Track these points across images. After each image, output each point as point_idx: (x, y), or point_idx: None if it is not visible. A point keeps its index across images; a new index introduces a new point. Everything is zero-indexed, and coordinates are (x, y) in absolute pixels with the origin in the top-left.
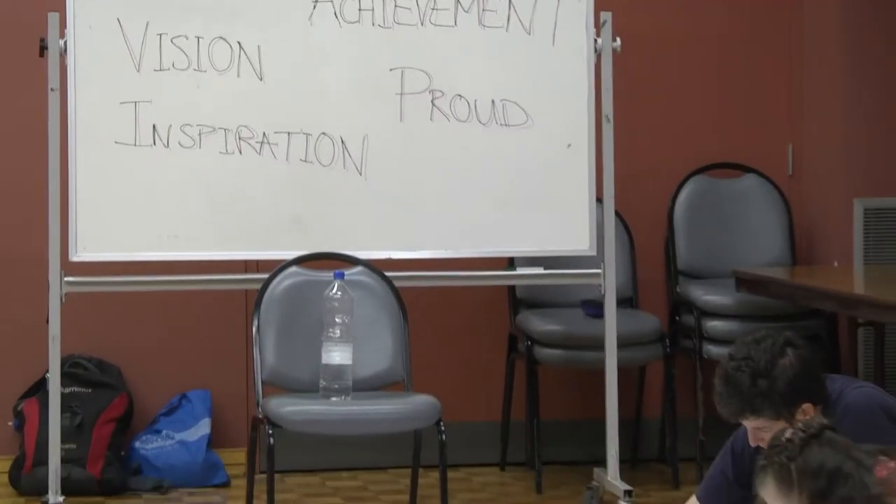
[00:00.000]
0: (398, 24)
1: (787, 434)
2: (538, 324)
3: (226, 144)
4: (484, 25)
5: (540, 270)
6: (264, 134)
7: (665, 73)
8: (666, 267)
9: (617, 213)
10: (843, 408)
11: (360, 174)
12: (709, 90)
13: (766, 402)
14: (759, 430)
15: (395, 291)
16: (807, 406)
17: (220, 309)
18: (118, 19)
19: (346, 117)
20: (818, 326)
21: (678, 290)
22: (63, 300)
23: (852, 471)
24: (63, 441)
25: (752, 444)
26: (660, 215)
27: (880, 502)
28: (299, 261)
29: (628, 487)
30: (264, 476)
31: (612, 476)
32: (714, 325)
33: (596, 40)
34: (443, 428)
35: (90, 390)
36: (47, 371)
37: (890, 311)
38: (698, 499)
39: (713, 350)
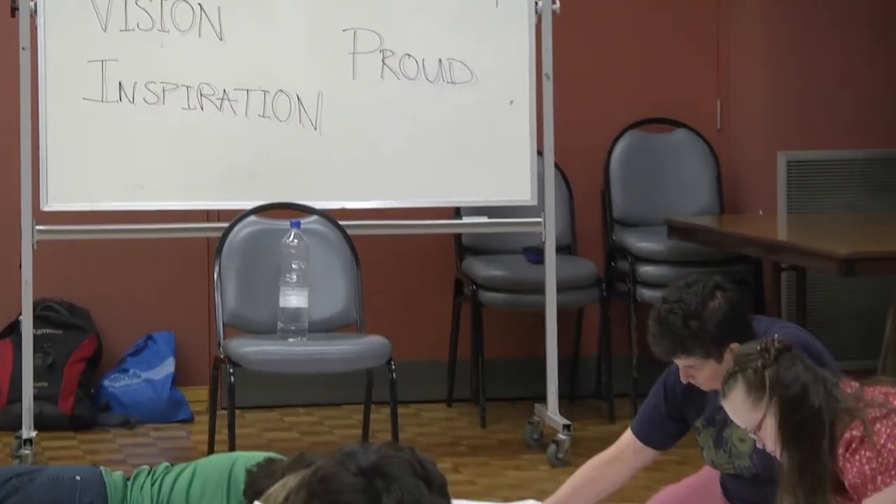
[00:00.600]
0: None
1: (759, 345)
2: (482, 269)
3: (188, 101)
4: None
5: (484, 219)
6: (224, 91)
7: (601, 34)
8: (602, 216)
9: (556, 166)
10: None
11: (315, 129)
12: (643, 50)
13: (696, 342)
14: (690, 367)
15: (349, 239)
16: (734, 346)
17: (183, 255)
18: None
19: (302, 75)
20: (745, 271)
21: (613, 237)
22: (35, 247)
23: (821, 385)
24: (35, 379)
25: (684, 380)
26: (596, 167)
27: (850, 414)
28: (258, 210)
29: (567, 422)
30: (225, 412)
31: (551, 411)
32: (647, 271)
33: (536, 2)
34: (393, 367)
35: (61, 332)
36: (20, 314)
37: (811, 256)
38: (633, 432)
39: (646, 293)
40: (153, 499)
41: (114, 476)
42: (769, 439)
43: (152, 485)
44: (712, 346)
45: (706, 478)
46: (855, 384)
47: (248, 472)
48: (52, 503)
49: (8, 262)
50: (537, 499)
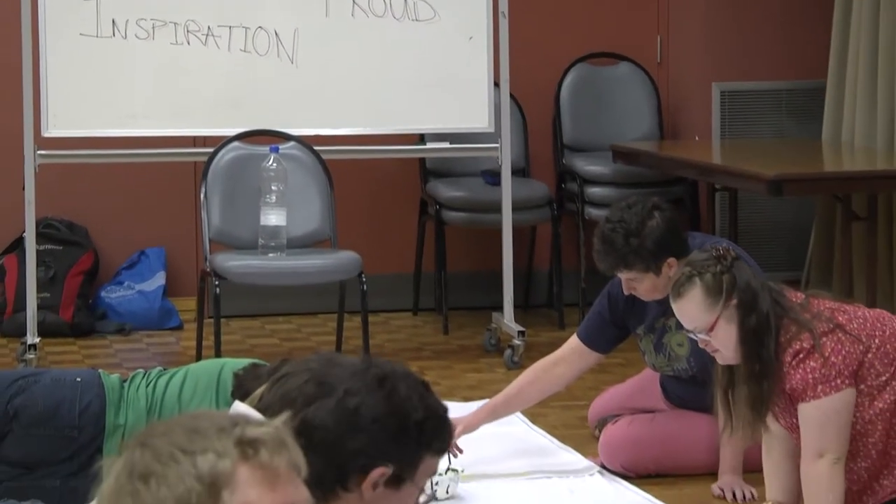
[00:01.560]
0: None
1: (713, 253)
2: (445, 191)
3: (176, 36)
4: None
5: (446, 145)
6: (209, 27)
7: None
8: (553, 142)
9: (511, 96)
10: None
11: (292, 62)
12: None
13: (637, 258)
14: (631, 280)
15: (323, 163)
16: (671, 260)
17: (172, 178)
18: None
19: (280, 13)
20: (682, 192)
21: (564, 161)
22: (37, 170)
23: (767, 293)
24: (38, 291)
25: (626, 292)
26: (548, 98)
27: (797, 324)
28: (240, 137)
29: (521, 329)
30: (212, 320)
31: (507, 319)
32: (594, 191)
33: None
34: (364, 279)
35: (61, 248)
36: (24, 231)
37: (742, 178)
38: (578, 337)
39: (593, 212)
40: (148, 399)
41: (111, 378)
42: (720, 340)
43: (147, 386)
44: (651, 261)
45: (647, 379)
46: (801, 295)
47: (236, 375)
48: (56, 402)
49: (12, 184)
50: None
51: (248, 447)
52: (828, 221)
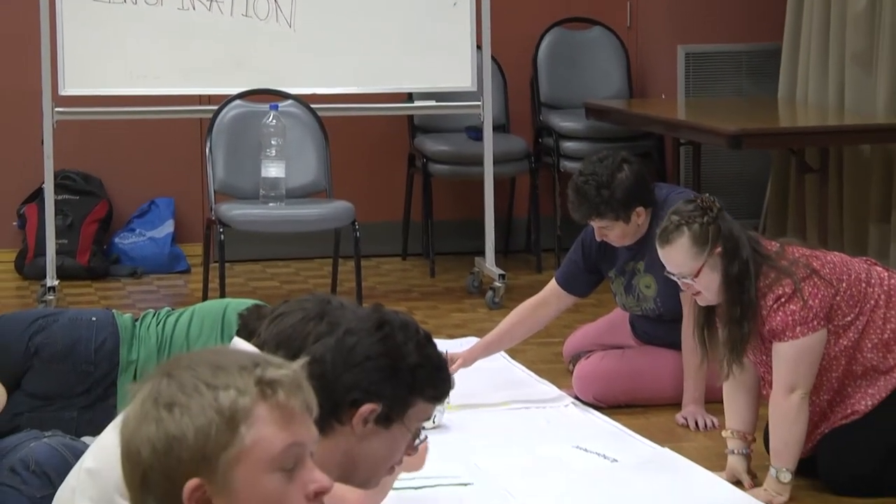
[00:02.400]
0: None
1: (700, 204)
2: (431, 145)
3: (182, 2)
4: None
5: (432, 103)
6: None
7: None
8: (531, 100)
9: (493, 58)
10: (669, 208)
11: (290, 26)
12: None
13: (607, 207)
14: (603, 228)
15: (319, 120)
16: (640, 209)
17: (180, 134)
18: None
19: None
20: (649, 146)
21: (541, 118)
22: (55, 126)
23: (747, 241)
24: (57, 237)
25: (598, 238)
26: (526, 59)
27: (776, 270)
28: (242, 95)
29: (501, 272)
30: (217, 264)
31: (489, 263)
32: (568, 146)
33: None
34: (356, 227)
35: (78, 197)
36: (43, 183)
37: (705, 132)
38: (556, 281)
39: (568, 165)
40: (158, 336)
41: (124, 317)
42: (704, 284)
43: (157, 325)
44: (621, 210)
45: (617, 318)
46: (775, 244)
47: (240, 315)
48: (73, 340)
49: (32, 139)
50: (477, 335)
51: (267, 387)
52: (783, 173)
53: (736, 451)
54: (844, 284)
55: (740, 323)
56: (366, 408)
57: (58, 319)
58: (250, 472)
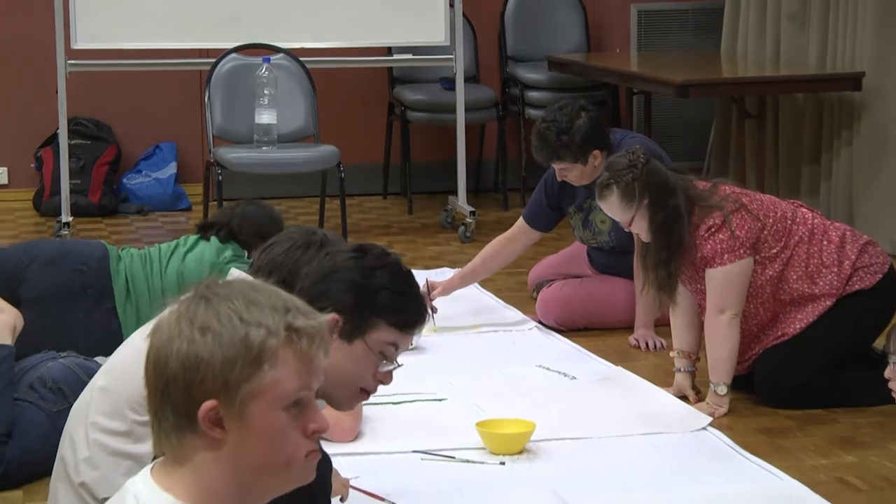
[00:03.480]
0: None
1: (625, 160)
2: (409, 94)
3: None
4: None
5: (410, 56)
6: None
7: None
8: (499, 53)
9: (464, 15)
10: (622, 149)
11: None
12: None
13: (567, 151)
14: (563, 170)
15: (307, 71)
16: (596, 152)
17: (182, 84)
18: None
19: None
20: (605, 95)
21: (507, 70)
22: (68, 77)
23: (677, 185)
24: (71, 178)
25: (559, 179)
26: (494, 16)
27: (708, 205)
28: (238, 49)
29: (472, 209)
30: (215, 203)
31: (461, 201)
32: (532, 95)
33: None
34: (341, 168)
35: (89, 142)
36: (57, 128)
37: (655, 83)
38: (523, 219)
39: (532, 112)
40: (142, 254)
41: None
42: (637, 229)
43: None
44: (579, 153)
45: (576, 250)
46: (708, 183)
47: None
48: (64, 249)
49: (46, 89)
50: (450, 266)
51: (294, 333)
52: (725, 119)
53: (682, 370)
54: (771, 220)
55: (667, 264)
56: (331, 317)
57: (48, 241)
58: (264, 408)
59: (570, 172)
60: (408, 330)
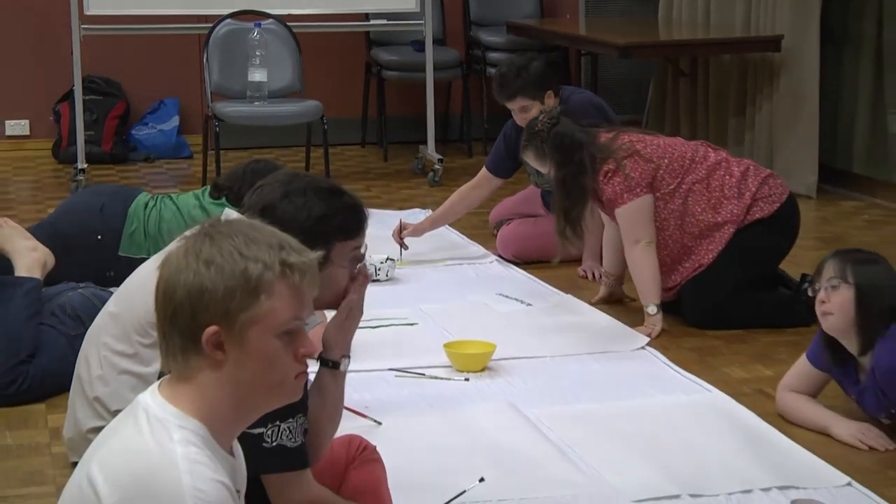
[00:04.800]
0: None
1: (538, 124)
2: (384, 56)
3: None
4: None
5: (385, 21)
6: None
7: None
8: (463, 19)
9: None
10: (572, 104)
11: None
12: None
13: (525, 87)
14: (523, 109)
15: (294, 35)
16: (550, 93)
17: (183, 46)
18: None
19: None
20: (557, 56)
21: (471, 33)
22: (81, 40)
23: (582, 141)
24: (85, 129)
25: (519, 122)
26: None
27: (607, 154)
28: (232, 15)
29: (440, 157)
30: (213, 151)
31: (430, 150)
32: (493, 56)
33: None
34: (325, 121)
35: (101, 98)
36: (73, 86)
37: (601, 45)
38: (487, 168)
39: (493, 71)
40: (146, 199)
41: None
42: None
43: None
44: (536, 91)
45: (531, 192)
46: (610, 134)
47: (215, 183)
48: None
49: (62, 51)
50: (421, 207)
51: (287, 268)
52: (662, 77)
53: (606, 284)
54: (666, 161)
55: (569, 212)
56: None
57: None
58: (260, 333)
59: (529, 112)
60: (357, 233)
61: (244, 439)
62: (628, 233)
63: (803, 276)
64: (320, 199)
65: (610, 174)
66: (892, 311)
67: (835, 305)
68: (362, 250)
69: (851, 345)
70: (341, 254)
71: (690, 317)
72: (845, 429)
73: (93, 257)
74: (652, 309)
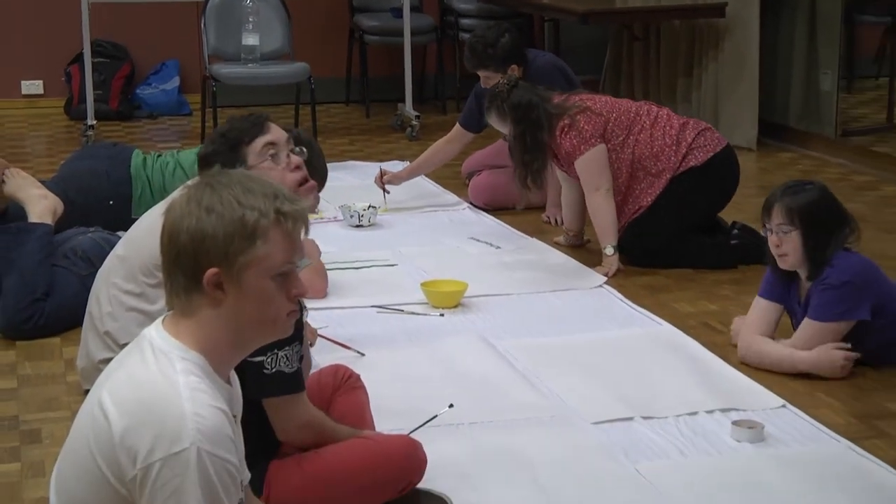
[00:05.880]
0: None
1: (495, 90)
2: (366, 21)
3: None
4: None
5: None
6: None
7: None
8: None
9: None
10: (536, 67)
11: None
12: None
13: (491, 62)
14: (487, 78)
15: (284, 3)
16: (514, 66)
17: (183, 13)
18: None
19: None
20: (523, 22)
21: (445, 1)
22: (90, 8)
23: (538, 101)
24: (94, 89)
25: (484, 86)
26: None
27: (561, 112)
28: None
29: (417, 114)
30: (210, 109)
31: (408, 108)
32: (465, 22)
33: None
34: (312, 81)
35: (108, 60)
36: (83, 49)
37: (562, 12)
38: (460, 124)
39: (465, 36)
40: (152, 156)
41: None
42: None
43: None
44: (500, 65)
45: (500, 145)
46: (563, 96)
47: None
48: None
49: (73, 18)
50: (399, 159)
51: (281, 216)
52: (618, 41)
53: (563, 241)
54: (614, 115)
55: (528, 164)
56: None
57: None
58: (256, 275)
59: (491, 80)
60: (259, 132)
61: (246, 367)
62: (588, 181)
63: (733, 223)
64: (225, 126)
65: (566, 129)
66: (835, 236)
67: (788, 247)
68: (275, 142)
69: (804, 273)
70: (254, 153)
71: (631, 256)
72: (808, 355)
73: (108, 219)
74: (609, 250)
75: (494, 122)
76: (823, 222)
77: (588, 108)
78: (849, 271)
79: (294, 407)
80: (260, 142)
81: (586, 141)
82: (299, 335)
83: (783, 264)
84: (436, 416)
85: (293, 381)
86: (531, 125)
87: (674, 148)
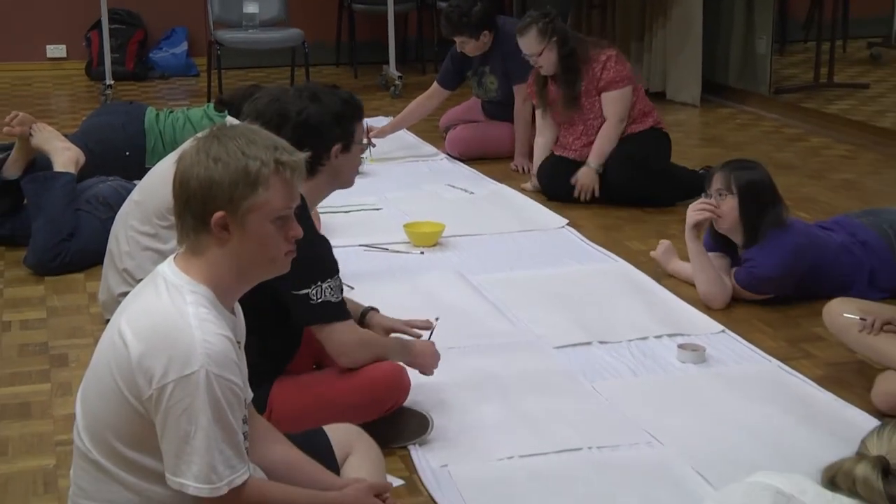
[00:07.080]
0: None
1: (542, 12)
2: None
3: None
4: None
5: None
6: None
7: None
8: None
9: None
10: (505, 32)
11: None
12: None
13: (465, 28)
14: (462, 43)
15: None
16: (486, 33)
17: None
18: None
19: None
20: None
21: None
22: None
23: (572, 32)
24: (112, 53)
25: (458, 50)
26: None
27: (597, 48)
28: None
29: (399, 74)
30: (216, 71)
31: (392, 68)
32: None
33: None
34: (306, 46)
35: (124, 27)
36: (101, 17)
37: None
38: (438, 82)
39: (442, 4)
40: (164, 113)
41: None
42: (546, 61)
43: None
44: (474, 31)
45: (474, 102)
46: (589, 38)
47: (219, 98)
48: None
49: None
50: (384, 115)
51: (280, 165)
52: (578, 8)
53: (535, 186)
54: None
55: (573, 84)
56: (336, 147)
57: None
58: (258, 218)
59: (466, 45)
60: (361, 114)
61: (294, 301)
62: (616, 111)
63: (705, 167)
64: (338, 98)
65: (612, 61)
66: (767, 211)
67: (724, 211)
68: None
69: (738, 240)
70: (360, 135)
71: (612, 190)
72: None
73: (125, 168)
74: (593, 165)
75: (531, 37)
76: (758, 195)
77: (620, 54)
78: (775, 268)
79: (345, 331)
80: (362, 125)
81: (627, 78)
82: (337, 269)
83: (718, 226)
84: (434, 328)
85: (341, 309)
86: (571, 48)
87: (652, 106)
